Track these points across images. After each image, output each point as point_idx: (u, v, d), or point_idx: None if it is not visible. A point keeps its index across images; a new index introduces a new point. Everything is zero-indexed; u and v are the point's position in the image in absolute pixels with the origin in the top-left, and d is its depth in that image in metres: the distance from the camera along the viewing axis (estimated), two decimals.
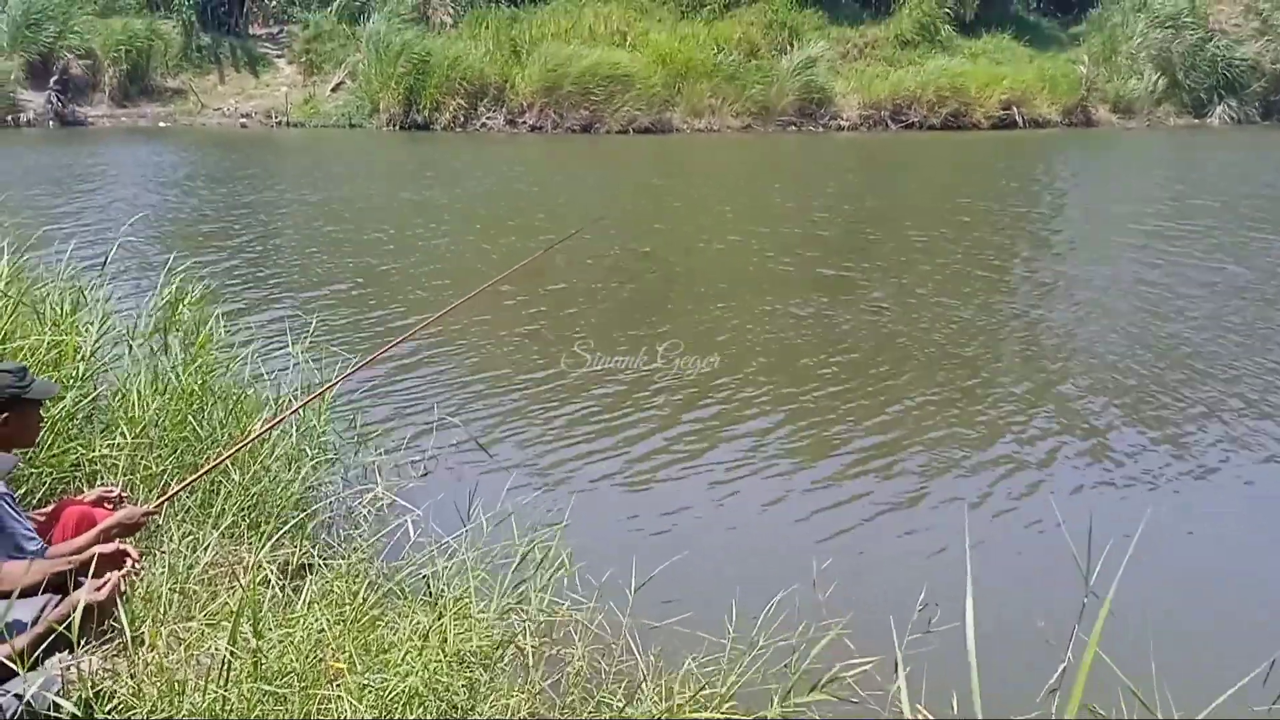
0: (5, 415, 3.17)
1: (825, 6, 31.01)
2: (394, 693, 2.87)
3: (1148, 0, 30.67)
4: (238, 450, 3.84)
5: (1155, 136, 27.97)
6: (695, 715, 3.21)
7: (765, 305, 9.73)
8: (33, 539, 3.10)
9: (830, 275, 11.21)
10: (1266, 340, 8.82)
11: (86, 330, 4.48)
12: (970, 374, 7.96)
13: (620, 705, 3.22)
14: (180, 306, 5.22)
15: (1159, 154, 25.18)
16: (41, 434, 4.00)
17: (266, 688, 2.67)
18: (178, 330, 4.86)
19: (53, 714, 2.53)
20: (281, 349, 5.22)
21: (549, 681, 3.36)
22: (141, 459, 4.19)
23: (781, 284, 10.74)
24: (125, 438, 4.21)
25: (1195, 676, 3.97)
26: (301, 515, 4.06)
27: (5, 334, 4.01)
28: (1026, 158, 23.05)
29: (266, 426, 4.07)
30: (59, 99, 26.80)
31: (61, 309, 4.50)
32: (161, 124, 26.86)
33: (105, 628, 3.07)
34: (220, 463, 3.75)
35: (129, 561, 2.86)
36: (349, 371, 4.52)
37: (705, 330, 8.88)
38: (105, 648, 3.06)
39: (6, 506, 3.04)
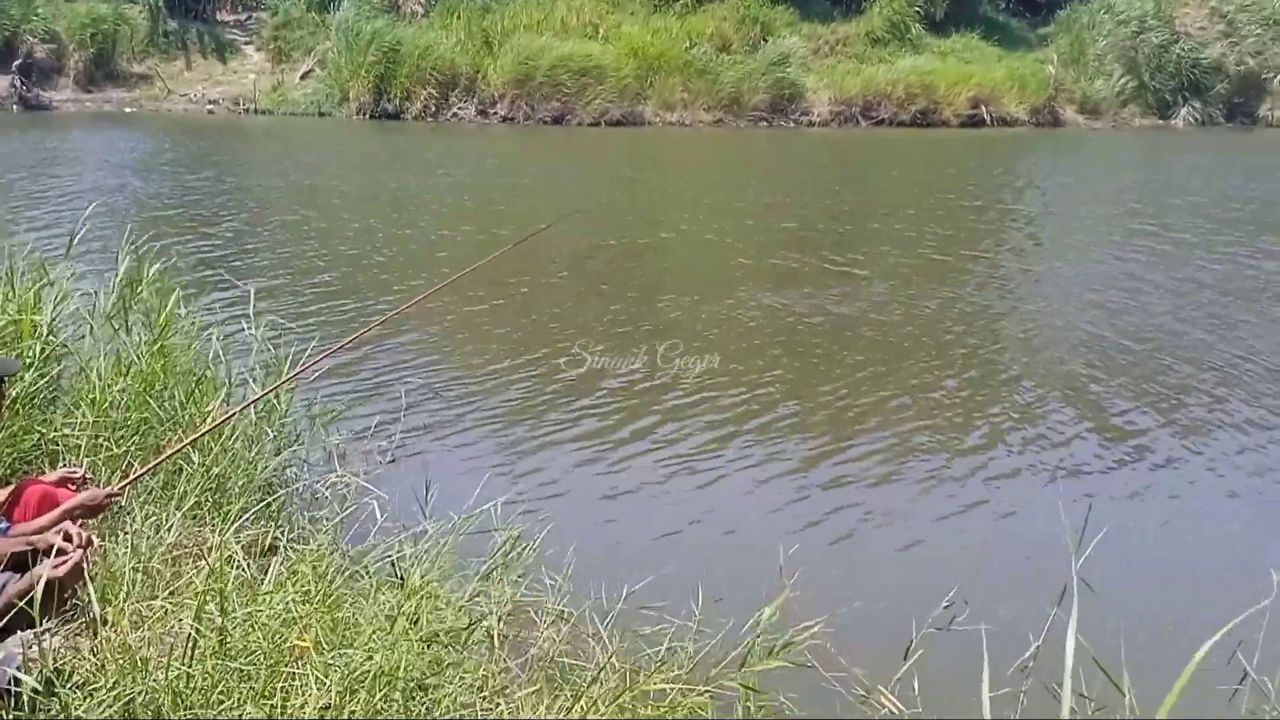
0: None
1: (797, 3, 31.10)
2: (359, 671, 2.86)
3: (1114, 2, 30.98)
4: (204, 434, 3.81)
5: (1122, 137, 28.28)
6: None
7: (749, 299, 9.76)
8: None
9: (816, 270, 11.22)
10: (1254, 336, 8.94)
11: (47, 309, 4.42)
12: (959, 368, 7.99)
13: (582, 685, 3.22)
14: (141, 287, 5.16)
15: (1128, 155, 25.45)
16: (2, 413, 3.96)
17: (231, 665, 2.66)
18: (142, 311, 4.80)
19: (13, 689, 2.51)
20: (252, 334, 5.16)
21: (515, 663, 3.37)
22: (104, 440, 4.14)
23: (765, 278, 10.77)
24: (87, 418, 4.16)
25: (1168, 660, 4.04)
26: (267, 498, 4.03)
27: None
28: (1000, 156, 23.23)
29: (234, 411, 4.03)
30: (23, 83, 26.37)
31: (13, 288, 4.43)
32: (127, 109, 26.51)
33: (68, 607, 3.04)
34: (185, 446, 3.71)
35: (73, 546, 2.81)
36: (312, 361, 4.48)
37: (692, 324, 8.89)
38: (67, 626, 3.03)
39: None
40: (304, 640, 2.81)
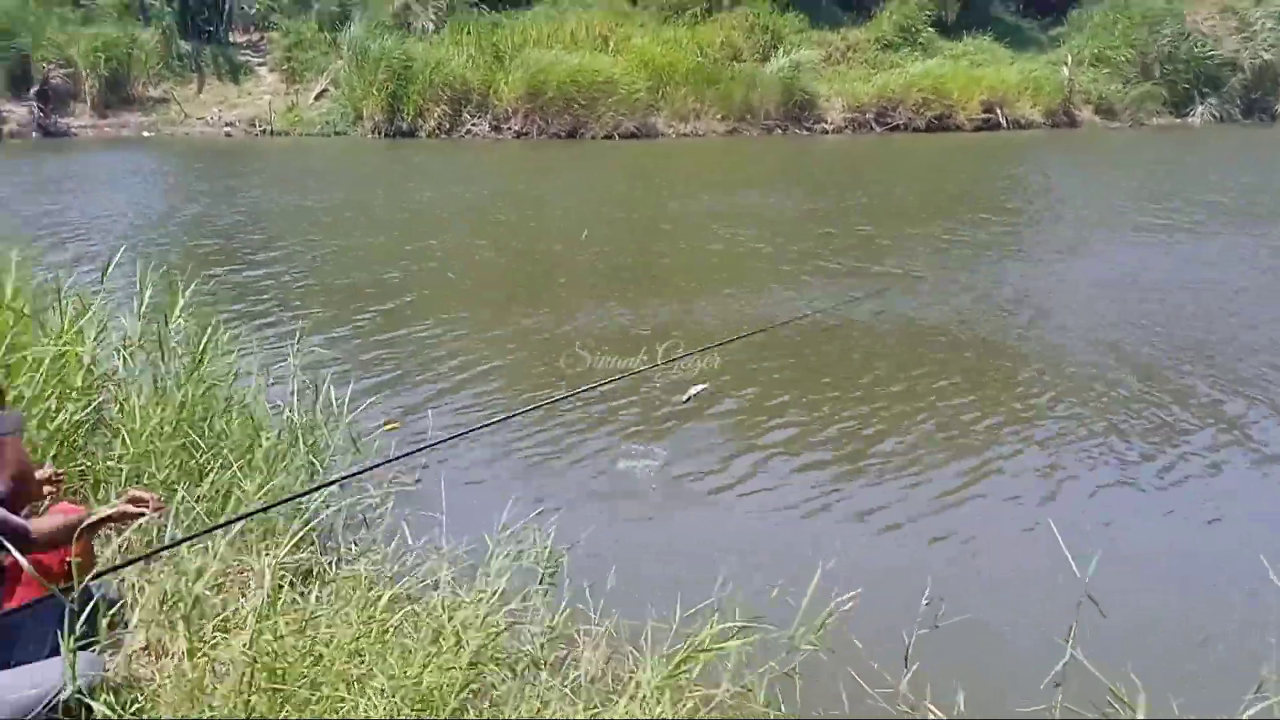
0: None
1: (806, 9, 31.19)
2: (409, 694, 2.89)
3: (1128, 0, 30.97)
4: (254, 514, 3.77)
5: (1140, 136, 28.20)
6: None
7: (773, 301, 9.80)
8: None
9: (832, 273, 11.24)
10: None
11: (87, 340, 4.49)
12: (981, 369, 8.01)
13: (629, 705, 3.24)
14: (176, 314, 5.21)
15: (1146, 153, 25.35)
16: (47, 446, 4.02)
17: (287, 689, 2.69)
18: (180, 339, 4.85)
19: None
20: (293, 364, 5.17)
21: (561, 683, 3.38)
22: (146, 468, 4.19)
23: (791, 280, 10.80)
24: (128, 448, 4.21)
25: (1184, 675, 4.06)
26: (309, 521, 4.07)
27: (12, 346, 4.01)
28: (1017, 159, 23.20)
29: (305, 491, 3.94)
30: (40, 109, 26.67)
31: (61, 320, 4.51)
32: (145, 134, 26.75)
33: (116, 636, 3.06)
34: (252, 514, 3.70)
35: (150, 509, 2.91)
36: (424, 446, 4.33)
37: (705, 329, 8.91)
38: (121, 652, 3.06)
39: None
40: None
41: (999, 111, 28.07)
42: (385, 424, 5.60)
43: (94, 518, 2.97)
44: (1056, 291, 10.70)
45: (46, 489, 3.39)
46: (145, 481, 4.14)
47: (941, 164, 22.88)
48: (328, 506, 3.99)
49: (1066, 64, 29.69)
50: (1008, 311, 9.83)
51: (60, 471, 3.49)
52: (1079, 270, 11.76)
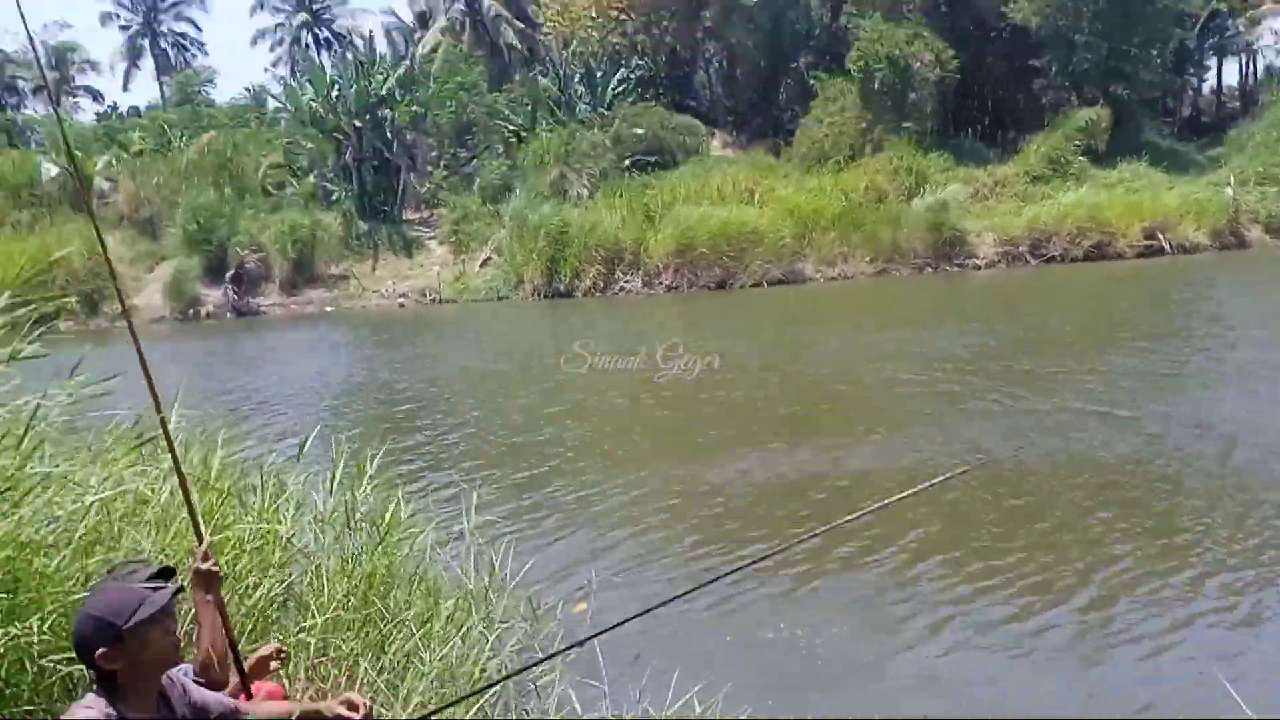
0: (102, 650, 2.48)
1: (950, 149, 31.38)
2: None
3: None
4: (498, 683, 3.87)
5: None
6: None
7: (936, 445, 9.65)
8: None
9: (1006, 410, 10.99)
10: None
11: (285, 517, 4.81)
12: (1170, 513, 7.60)
13: None
14: (364, 487, 5.52)
15: None
16: (244, 621, 4.30)
17: None
18: (366, 510, 5.14)
19: None
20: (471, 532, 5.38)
21: None
22: (332, 640, 4.41)
23: (951, 421, 10.61)
24: (315, 620, 4.45)
25: None
26: (484, 690, 4.18)
27: (218, 525, 4.35)
28: (1186, 284, 22.26)
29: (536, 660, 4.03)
30: (234, 292, 29.22)
31: (265, 498, 4.87)
32: (327, 309, 28.82)
33: None
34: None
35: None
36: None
37: (867, 468, 8.83)
38: None
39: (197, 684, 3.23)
40: None
41: (1162, 236, 27.20)
42: (577, 606, 5.74)
43: (307, 711, 3.09)
44: (1241, 422, 10.08)
45: (273, 664, 3.62)
46: (331, 654, 4.36)
47: (1103, 292, 22.19)
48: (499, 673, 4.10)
49: (1229, 184, 28.67)
50: (1190, 445, 9.34)
51: (283, 649, 3.70)
52: (1262, 396, 11.10)
